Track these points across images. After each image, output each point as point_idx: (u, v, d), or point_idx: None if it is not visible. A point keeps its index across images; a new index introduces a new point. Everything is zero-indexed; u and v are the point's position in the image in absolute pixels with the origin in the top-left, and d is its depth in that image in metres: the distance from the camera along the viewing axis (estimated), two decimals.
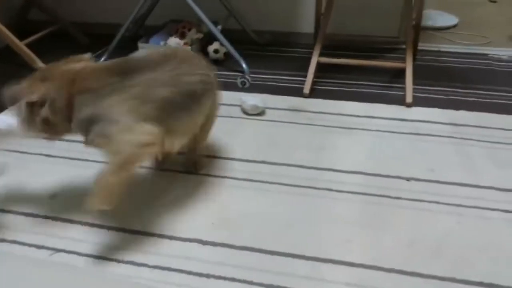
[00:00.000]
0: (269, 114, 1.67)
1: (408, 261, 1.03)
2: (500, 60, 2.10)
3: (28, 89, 1.04)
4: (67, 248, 1.08)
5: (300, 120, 1.62)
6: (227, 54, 2.06)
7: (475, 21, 2.65)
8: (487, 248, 1.06)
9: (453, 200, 1.21)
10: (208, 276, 1.00)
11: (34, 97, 1.03)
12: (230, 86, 1.87)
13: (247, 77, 1.89)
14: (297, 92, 1.80)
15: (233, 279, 0.99)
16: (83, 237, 1.11)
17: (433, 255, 1.05)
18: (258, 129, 1.57)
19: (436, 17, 2.61)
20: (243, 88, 1.88)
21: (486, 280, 0.98)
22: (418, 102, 1.72)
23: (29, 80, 1.07)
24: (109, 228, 1.14)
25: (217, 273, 1.01)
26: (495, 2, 3.05)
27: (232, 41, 2.00)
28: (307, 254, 1.05)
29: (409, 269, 1.01)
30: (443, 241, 1.09)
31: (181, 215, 1.18)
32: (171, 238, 1.11)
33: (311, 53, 1.86)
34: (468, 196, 1.23)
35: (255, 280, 0.99)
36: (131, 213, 1.19)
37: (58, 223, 1.16)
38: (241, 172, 1.34)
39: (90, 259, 1.05)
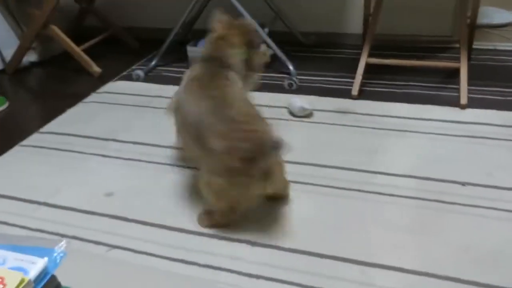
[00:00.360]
0: (317, 116, 1.65)
1: (463, 268, 0.99)
2: None
3: None
4: (123, 245, 1.12)
5: (349, 122, 1.60)
6: (274, 56, 2.06)
7: None
8: None
9: None
10: (257, 277, 1.01)
11: None
12: (277, 88, 1.88)
13: (294, 79, 1.89)
14: (345, 93, 1.78)
15: (282, 281, 0.99)
16: (139, 235, 1.15)
17: (491, 263, 1.00)
18: (306, 131, 1.57)
19: (493, 14, 2.49)
20: (290, 90, 1.87)
21: None
22: (473, 103, 1.65)
23: None
24: (161, 226, 1.18)
25: (266, 275, 1.01)
26: None
27: (278, 43, 2.00)
28: (357, 258, 1.04)
29: (464, 277, 0.97)
30: (501, 249, 1.04)
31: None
32: (220, 238, 1.13)
33: (358, 54, 1.83)
34: None
35: (304, 283, 0.98)
36: (181, 213, 1.23)
37: (115, 221, 1.21)
38: (291, 174, 1.34)
39: (144, 256, 1.09)
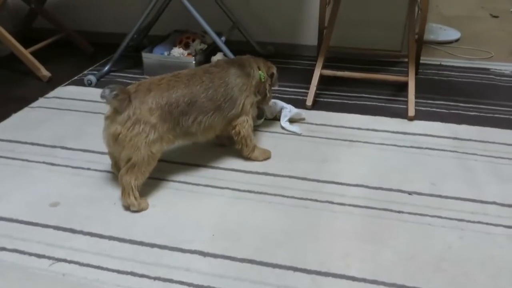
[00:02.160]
0: (271, 125, 1.67)
1: (409, 275, 1.03)
2: (502, 75, 2.11)
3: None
4: (68, 258, 1.08)
5: (302, 132, 1.62)
6: None
7: (477, 36, 2.66)
8: (489, 264, 1.06)
9: (455, 215, 1.21)
10: None
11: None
12: None
13: None
14: (299, 104, 1.81)
15: None
16: (85, 247, 1.11)
17: (435, 270, 1.04)
18: (259, 140, 1.58)
19: (439, 32, 2.63)
20: None
21: None
22: (420, 115, 1.73)
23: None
24: (109, 238, 1.14)
25: (218, 286, 1.00)
26: (497, 17, 3.07)
27: (235, 52, 2.01)
28: (308, 267, 1.05)
29: (410, 284, 1.00)
30: (444, 256, 1.08)
31: (182, 226, 1.18)
32: (172, 249, 1.10)
33: (313, 65, 1.88)
34: (470, 211, 1.23)
35: None
36: (131, 223, 1.19)
37: (60, 232, 1.16)
38: (242, 184, 1.34)
39: (91, 269, 1.04)
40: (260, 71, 1.47)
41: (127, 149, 1.21)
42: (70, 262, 1.06)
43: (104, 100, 1.20)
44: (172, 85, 1.27)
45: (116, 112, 1.22)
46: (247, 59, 1.48)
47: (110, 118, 1.24)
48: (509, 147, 1.52)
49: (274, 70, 1.55)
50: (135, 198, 1.23)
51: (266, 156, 1.47)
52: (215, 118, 1.33)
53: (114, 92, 1.18)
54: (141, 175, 1.24)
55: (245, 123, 1.40)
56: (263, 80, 1.47)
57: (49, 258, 1.08)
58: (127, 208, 1.24)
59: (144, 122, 1.20)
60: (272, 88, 1.57)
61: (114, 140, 1.22)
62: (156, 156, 1.26)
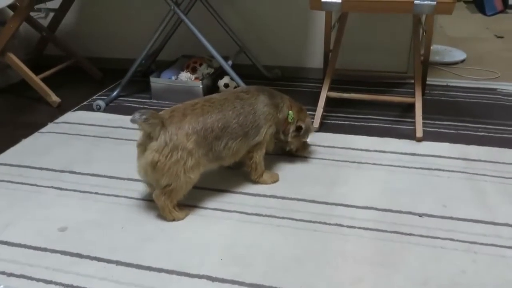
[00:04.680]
0: (278, 148, 1.67)
1: None
2: (509, 94, 2.11)
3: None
4: (75, 284, 1.07)
5: (310, 155, 1.62)
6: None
7: (483, 57, 2.67)
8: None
9: (468, 237, 1.19)
10: None
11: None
12: None
13: None
14: None
15: None
16: (91, 273, 1.10)
17: None
18: (267, 163, 1.57)
19: (444, 53, 2.64)
20: None
21: None
22: (428, 136, 1.72)
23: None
24: (117, 263, 1.13)
25: None
26: (502, 37, 3.08)
27: (242, 76, 2.03)
28: None
29: None
30: (458, 280, 1.06)
31: (190, 251, 1.17)
32: (180, 274, 1.09)
33: (320, 88, 1.89)
34: (483, 233, 1.20)
35: None
36: (139, 248, 1.18)
37: (67, 258, 1.15)
38: (250, 207, 1.34)
39: None
40: (290, 111, 1.46)
41: (166, 177, 1.22)
42: (77, 287, 1.06)
43: (135, 125, 1.21)
44: (207, 110, 1.28)
45: (149, 138, 1.22)
46: (280, 93, 1.48)
47: (143, 145, 1.24)
48: None
49: (303, 125, 1.49)
50: (176, 211, 1.28)
51: (274, 179, 1.47)
52: (242, 144, 1.34)
53: (144, 117, 1.18)
54: (181, 195, 1.27)
55: (259, 150, 1.41)
56: (290, 120, 1.46)
57: (56, 283, 1.07)
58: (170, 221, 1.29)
59: (182, 148, 1.21)
60: (303, 140, 1.55)
61: (152, 168, 1.21)
62: (194, 181, 1.27)
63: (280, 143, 1.53)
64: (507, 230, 1.21)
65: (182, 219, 1.29)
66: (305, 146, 1.60)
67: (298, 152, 1.59)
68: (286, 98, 1.48)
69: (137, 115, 1.19)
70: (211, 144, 1.27)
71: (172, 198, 1.26)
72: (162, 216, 1.28)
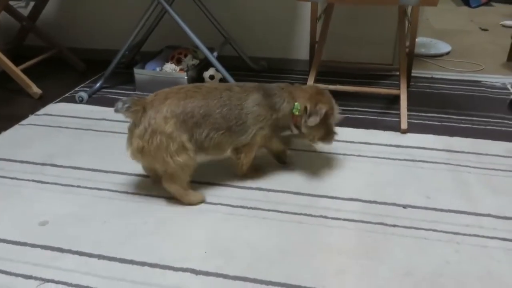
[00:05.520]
0: None
1: None
2: (493, 87, 2.13)
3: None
4: (56, 278, 1.05)
5: (295, 147, 1.61)
6: (223, 80, 2.07)
7: (467, 49, 2.69)
8: (486, 279, 1.04)
9: (451, 228, 1.20)
10: None
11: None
12: None
13: None
14: None
15: None
16: (73, 267, 1.08)
17: (432, 286, 1.02)
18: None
19: (430, 45, 2.65)
20: None
21: None
22: (413, 128, 1.73)
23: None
24: (99, 257, 1.11)
25: None
26: (486, 30, 3.11)
27: (228, 68, 2.01)
28: (303, 284, 1.03)
29: None
30: (441, 270, 1.07)
31: (174, 244, 1.16)
32: (163, 267, 1.08)
33: (306, 80, 1.88)
34: (466, 224, 1.22)
35: None
36: (122, 241, 1.17)
37: (48, 252, 1.13)
38: (235, 199, 1.33)
39: None
40: (296, 103, 1.34)
41: (157, 162, 1.23)
42: (58, 282, 1.04)
43: (119, 115, 1.21)
44: (190, 95, 1.25)
45: (135, 124, 1.22)
46: (279, 88, 1.36)
47: (131, 131, 1.24)
48: (502, 158, 1.52)
49: (308, 106, 1.33)
50: (191, 194, 1.29)
51: (257, 175, 1.43)
52: (226, 138, 1.29)
53: (127, 105, 1.19)
54: (184, 178, 1.26)
55: (248, 153, 1.35)
56: (297, 113, 1.34)
57: (36, 279, 1.05)
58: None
59: (160, 132, 1.19)
60: (311, 125, 1.34)
61: (140, 154, 1.23)
62: (189, 163, 1.24)
63: (301, 137, 1.44)
64: (489, 221, 1.22)
65: (195, 203, 1.29)
66: (328, 133, 1.41)
67: (322, 141, 1.42)
68: (287, 91, 1.36)
69: (119, 105, 1.19)
70: (192, 131, 1.23)
71: (177, 180, 1.25)
72: (181, 201, 1.29)
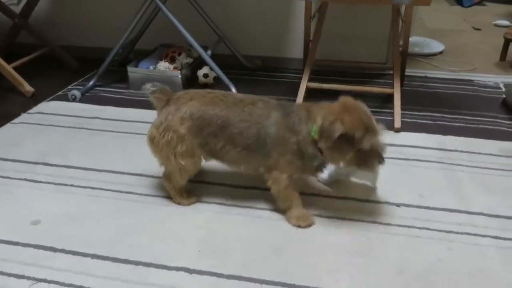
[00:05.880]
0: None
1: None
2: (486, 86, 2.14)
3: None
4: (49, 278, 1.04)
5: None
6: (217, 79, 2.06)
7: (461, 48, 2.70)
8: (478, 276, 1.05)
9: (444, 227, 1.21)
10: None
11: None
12: None
13: None
14: None
15: None
16: (66, 267, 1.08)
17: (424, 283, 1.03)
18: None
19: (423, 44, 2.66)
20: None
21: None
22: (406, 127, 1.73)
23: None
24: (92, 256, 1.11)
25: None
26: (479, 30, 3.12)
27: (222, 66, 2.01)
28: (297, 283, 1.03)
29: None
30: (433, 268, 1.07)
31: (168, 243, 1.16)
32: (157, 266, 1.08)
33: (300, 78, 1.88)
34: (458, 222, 1.22)
35: None
36: (115, 241, 1.16)
37: (40, 252, 1.12)
38: (229, 198, 1.32)
39: None
40: (314, 124, 1.12)
41: (160, 156, 1.23)
42: (51, 282, 1.03)
43: (144, 93, 1.22)
44: (214, 102, 1.18)
45: (157, 113, 1.23)
46: (298, 106, 1.18)
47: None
48: (494, 157, 1.53)
49: (320, 125, 1.10)
50: (183, 197, 1.28)
51: (305, 222, 1.20)
52: (244, 156, 1.18)
53: (153, 89, 1.19)
54: (180, 181, 1.25)
55: (279, 182, 1.19)
56: (315, 136, 1.11)
57: (29, 278, 1.04)
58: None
59: (174, 130, 1.17)
60: (323, 147, 1.11)
61: (151, 143, 1.22)
62: (189, 168, 1.22)
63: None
64: (481, 219, 1.23)
65: (187, 205, 1.28)
66: (362, 157, 1.12)
67: (358, 167, 1.16)
68: (305, 109, 1.16)
69: (148, 85, 1.20)
70: (207, 139, 1.18)
71: (173, 181, 1.25)
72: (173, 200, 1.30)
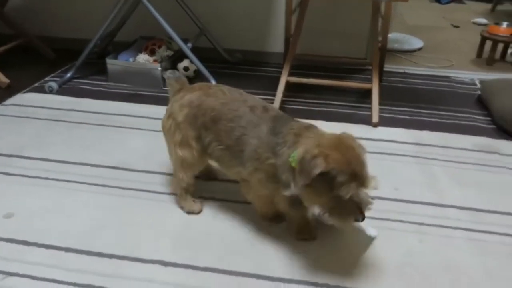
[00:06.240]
0: None
1: (372, 281, 1.03)
2: (462, 82, 2.18)
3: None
4: (21, 272, 1.03)
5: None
6: (197, 72, 2.05)
7: (439, 45, 2.75)
8: (448, 267, 1.08)
9: (417, 219, 1.23)
10: None
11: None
12: None
13: None
14: None
15: None
16: (39, 260, 1.06)
17: (396, 274, 1.05)
18: None
19: (403, 40, 2.70)
20: None
21: None
22: (384, 122, 1.76)
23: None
24: (66, 250, 1.10)
25: None
26: (458, 27, 3.18)
27: (202, 59, 2.00)
28: (272, 274, 1.04)
29: None
30: (406, 260, 1.09)
31: (143, 236, 1.15)
32: (132, 259, 1.07)
33: (281, 72, 1.88)
34: (431, 215, 1.25)
35: None
36: (90, 234, 1.15)
37: (13, 245, 1.10)
38: (205, 191, 1.32)
39: (46, 283, 1.00)
40: (294, 153, 0.96)
41: (167, 145, 1.22)
42: (23, 276, 1.02)
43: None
44: (216, 94, 1.15)
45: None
46: (290, 130, 1.02)
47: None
48: (469, 152, 1.56)
49: (301, 156, 0.93)
50: (184, 200, 1.24)
51: (304, 234, 1.15)
52: (224, 155, 1.12)
53: (172, 76, 1.22)
54: (183, 178, 1.21)
55: (248, 192, 1.15)
56: (293, 165, 0.95)
57: (0, 272, 1.02)
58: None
59: (174, 117, 1.17)
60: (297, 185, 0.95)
61: (162, 129, 1.22)
62: (190, 161, 1.17)
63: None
64: (453, 212, 1.26)
65: (190, 210, 1.24)
66: (337, 207, 0.94)
67: (331, 217, 0.96)
68: (294, 132, 1.01)
69: (167, 72, 1.23)
70: (200, 131, 1.14)
71: (176, 177, 1.23)
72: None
